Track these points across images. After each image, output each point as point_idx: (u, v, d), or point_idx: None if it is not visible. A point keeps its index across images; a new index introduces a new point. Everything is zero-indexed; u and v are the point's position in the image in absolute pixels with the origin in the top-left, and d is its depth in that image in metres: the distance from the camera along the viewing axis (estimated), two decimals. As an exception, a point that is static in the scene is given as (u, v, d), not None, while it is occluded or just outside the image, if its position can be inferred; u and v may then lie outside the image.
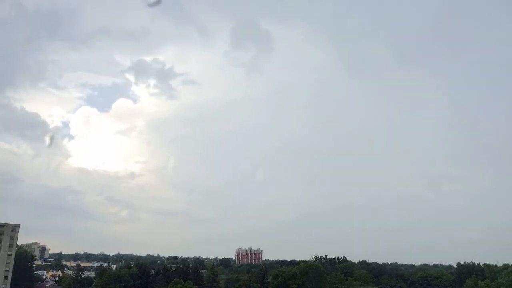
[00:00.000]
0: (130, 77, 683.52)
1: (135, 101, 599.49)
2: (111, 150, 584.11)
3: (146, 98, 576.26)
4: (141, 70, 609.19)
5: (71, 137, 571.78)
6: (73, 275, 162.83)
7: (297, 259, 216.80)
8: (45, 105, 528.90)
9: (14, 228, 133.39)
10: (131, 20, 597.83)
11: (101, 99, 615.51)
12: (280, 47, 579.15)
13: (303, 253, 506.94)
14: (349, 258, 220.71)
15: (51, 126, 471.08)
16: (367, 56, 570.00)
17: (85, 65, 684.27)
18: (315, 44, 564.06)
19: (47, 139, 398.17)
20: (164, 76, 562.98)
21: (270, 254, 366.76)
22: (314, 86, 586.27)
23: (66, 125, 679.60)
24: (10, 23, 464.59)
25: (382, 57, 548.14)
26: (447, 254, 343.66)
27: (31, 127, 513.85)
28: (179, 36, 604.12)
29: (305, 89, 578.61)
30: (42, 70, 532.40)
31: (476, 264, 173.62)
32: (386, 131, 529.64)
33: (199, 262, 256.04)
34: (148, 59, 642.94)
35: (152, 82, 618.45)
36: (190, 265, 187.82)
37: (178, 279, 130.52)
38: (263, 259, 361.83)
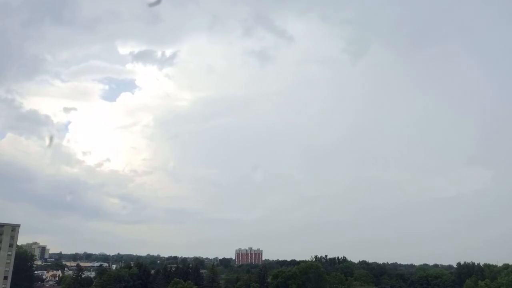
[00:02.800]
0: (139, 69, 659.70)
1: (141, 94, 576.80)
2: (115, 146, 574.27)
3: (154, 91, 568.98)
4: (149, 61, 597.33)
5: (72, 133, 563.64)
6: (73, 275, 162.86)
7: (297, 259, 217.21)
8: (46, 98, 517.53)
9: (14, 228, 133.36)
10: (139, 9, 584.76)
11: (107, 92, 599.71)
12: (298, 39, 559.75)
13: (303, 253, 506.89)
14: (349, 258, 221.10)
15: (53, 121, 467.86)
16: (391, 42, 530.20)
17: (91, 55, 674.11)
18: (332, 34, 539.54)
19: (46, 138, 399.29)
20: (174, 68, 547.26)
21: (270, 254, 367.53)
22: (335, 79, 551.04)
23: (67, 120, 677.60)
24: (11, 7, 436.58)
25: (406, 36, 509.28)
26: (447, 254, 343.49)
27: (30, 122, 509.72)
28: (191, 27, 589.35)
29: (325, 83, 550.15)
30: (43, 61, 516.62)
31: (476, 264, 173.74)
32: (406, 125, 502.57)
33: (199, 262, 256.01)
34: (156, 49, 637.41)
35: (161, 74, 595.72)
36: (190, 265, 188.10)
37: (178, 279, 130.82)
38: (263, 259, 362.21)
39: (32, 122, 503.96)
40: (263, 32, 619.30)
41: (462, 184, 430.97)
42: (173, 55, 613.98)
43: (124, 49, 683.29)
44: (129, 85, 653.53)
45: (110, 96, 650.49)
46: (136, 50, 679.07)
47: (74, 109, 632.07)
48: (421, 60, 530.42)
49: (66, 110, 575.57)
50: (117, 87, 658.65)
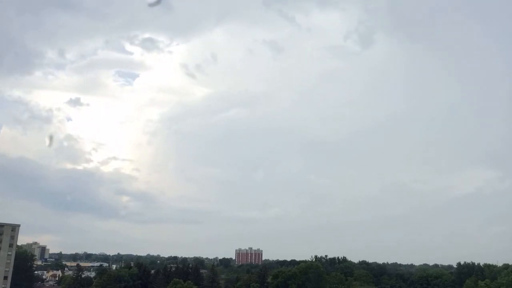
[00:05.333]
0: (147, 61, 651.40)
1: (150, 88, 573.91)
2: (119, 142, 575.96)
3: (164, 85, 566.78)
4: (159, 54, 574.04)
5: (75, 130, 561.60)
6: (73, 275, 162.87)
7: (297, 259, 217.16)
8: (49, 92, 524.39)
9: (14, 228, 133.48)
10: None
11: (113, 86, 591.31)
12: (313, 30, 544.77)
13: (303, 253, 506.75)
14: (349, 258, 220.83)
15: (56, 116, 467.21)
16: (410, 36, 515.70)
17: (98, 46, 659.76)
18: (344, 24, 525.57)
19: (48, 134, 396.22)
20: (183, 61, 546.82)
21: (270, 254, 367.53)
22: (347, 73, 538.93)
23: (70, 116, 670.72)
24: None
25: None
26: (447, 254, 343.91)
27: (31, 117, 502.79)
28: (202, 17, 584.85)
29: (339, 78, 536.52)
30: (46, 53, 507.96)
31: (476, 264, 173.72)
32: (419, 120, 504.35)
33: (199, 262, 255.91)
34: (167, 41, 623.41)
35: (171, 67, 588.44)
36: (190, 265, 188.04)
37: (178, 279, 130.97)
38: (263, 259, 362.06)
39: (33, 117, 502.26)
40: (278, 23, 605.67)
41: (466, 185, 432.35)
42: (183, 48, 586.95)
43: (132, 40, 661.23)
44: (137, 79, 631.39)
45: (116, 90, 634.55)
46: (145, 41, 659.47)
47: (79, 103, 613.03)
48: (438, 54, 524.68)
49: (70, 104, 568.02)
50: (124, 81, 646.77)
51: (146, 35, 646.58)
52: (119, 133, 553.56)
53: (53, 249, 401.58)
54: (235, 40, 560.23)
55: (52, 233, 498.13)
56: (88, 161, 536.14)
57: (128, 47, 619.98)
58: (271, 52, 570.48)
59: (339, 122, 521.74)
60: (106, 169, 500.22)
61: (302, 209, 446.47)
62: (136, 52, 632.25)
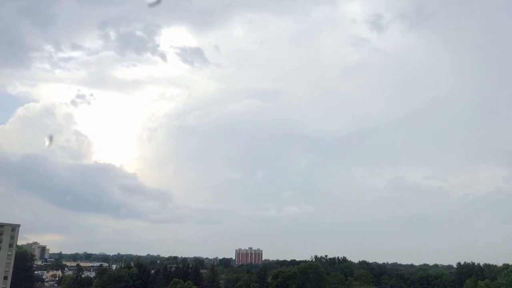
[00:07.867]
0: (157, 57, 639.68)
1: (160, 84, 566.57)
2: (120, 140, 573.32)
3: (175, 80, 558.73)
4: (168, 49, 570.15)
5: (77, 126, 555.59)
6: (73, 275, 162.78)
7: (297, 259, 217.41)
8: (52, 86, 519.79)
9: (14, 228, 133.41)
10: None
11: (119, 82, 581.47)
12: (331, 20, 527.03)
13: (303, 253, 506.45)
14: (349, 258, 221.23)
15: (58, 113, 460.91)
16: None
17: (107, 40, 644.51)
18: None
19: (49, 132, 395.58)
20: (194, 56, 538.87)
21: (270, 254, 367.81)
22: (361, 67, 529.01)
23: (73, 111, 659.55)
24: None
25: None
26: (447, 254, 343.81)
27: (31, 113, 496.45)
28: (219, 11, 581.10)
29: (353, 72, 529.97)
30: (44, 46, 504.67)
31: (476, 264, 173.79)
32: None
33: (199, 262, 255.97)
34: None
35: (181, 63, 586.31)
36: (190, 265, 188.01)
37: (178, 279, 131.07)
38: (263, 259, 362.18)
39: (36, 112, 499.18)
40: (295, 14, 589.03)
41: (468, 186, 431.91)
42: (195, 38, 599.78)
43: (139, 32, 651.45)
44: (144, 72, 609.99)
45: (123, 86, 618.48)
46: (152, 32, 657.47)
47: (82, 97, 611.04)
48: (462, 46, 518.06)
49: (75, 99, 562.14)
50: (132, 74, 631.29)
51: (154, 26, 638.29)
52: (123, 128, 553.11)
53: (53, 249, 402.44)
54: (248, 31, 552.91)
55: (52, 232, 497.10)
56: (93, 158, 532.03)
57: (136, 38, 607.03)
58: (286, 44, 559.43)
59: (347, 119, 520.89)
60: (110, 167, 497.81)
61: (303, 208, 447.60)
62: (144, 45, 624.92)
